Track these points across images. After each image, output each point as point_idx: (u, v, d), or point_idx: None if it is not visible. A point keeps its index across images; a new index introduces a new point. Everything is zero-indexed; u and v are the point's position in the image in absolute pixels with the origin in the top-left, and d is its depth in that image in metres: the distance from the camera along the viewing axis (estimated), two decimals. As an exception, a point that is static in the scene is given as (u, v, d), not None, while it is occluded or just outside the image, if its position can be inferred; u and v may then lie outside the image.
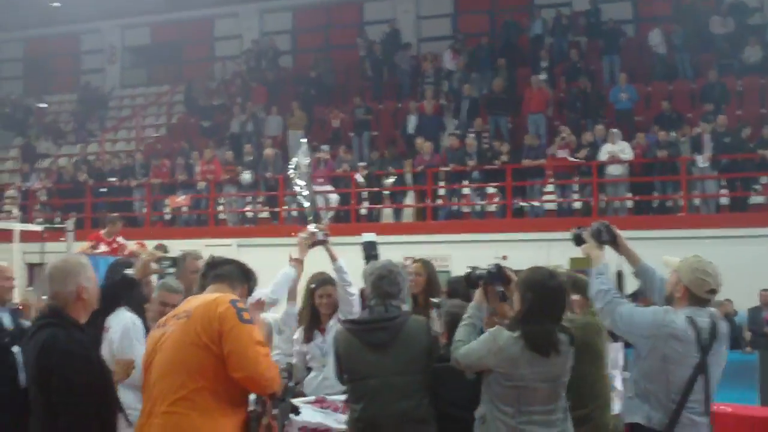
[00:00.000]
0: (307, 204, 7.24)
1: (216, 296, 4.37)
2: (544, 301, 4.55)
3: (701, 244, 13.72)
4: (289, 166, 7.45)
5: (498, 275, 4.91)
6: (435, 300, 5.84)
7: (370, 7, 26.39)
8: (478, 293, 4.97)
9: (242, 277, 4.61)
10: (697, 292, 4.69)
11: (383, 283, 5.09)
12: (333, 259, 6.75)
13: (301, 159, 7.28)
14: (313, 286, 6.65)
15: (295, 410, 5.04)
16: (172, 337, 4.30)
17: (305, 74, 24.23)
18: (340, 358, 5.19)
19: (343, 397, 5.64)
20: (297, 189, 7.33)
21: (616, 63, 20.90)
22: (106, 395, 4.41)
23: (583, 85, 19.62)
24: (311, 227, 6.85)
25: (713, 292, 4.72)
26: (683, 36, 20.69)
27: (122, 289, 5.52)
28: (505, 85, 20.51)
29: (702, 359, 4.62)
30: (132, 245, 15.04)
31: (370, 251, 6.66)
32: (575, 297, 5.68)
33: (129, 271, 5.48)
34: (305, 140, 7.93)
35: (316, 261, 6.95)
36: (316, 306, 6.61)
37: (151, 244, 15.37)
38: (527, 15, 23.21)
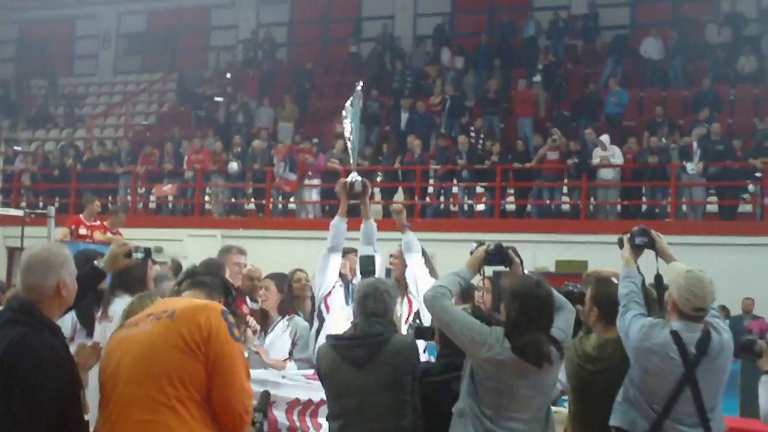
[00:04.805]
0: (350, 146, 7.04)
1: (206, 302, 3.95)
2: (531, 311, 4.43)
3: (687, 251, 13.53)
4: (343, 112, 7.18)
5: (497, 256, 4.93)
6: None
7: (368, 2, 26.28)
8: (474, 258, 4.91)
9: (222, 290, 4.20)
10: (684, 309, 4.64)
11: (368, 302, 4.93)
12: (365, 217, 6.72)
13: (354, 103, 7.08)
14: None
15: None
16: (148, 337, 3.79)
17: (300, 67, 24.09)
18: (321, 374, 5.04)
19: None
20: (345, 132, 7.16)
21: (617, 69, 20.79)
22: (73, 409, 3.83)
23: (577, 89, 19.55)
24: (352, 175, 6.61)
25: (701, 310, 4.65)
26: (679, 44, 20.64)
27: (91, 283, 4.95)
28: (500, 86, 20.43)
29: (688, 373, 4.58)
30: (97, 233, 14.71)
31: (366, 266, 6.37)
32: None
33: (99, 264, 4.93)
34: (360, 86, 7.61)
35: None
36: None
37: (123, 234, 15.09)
38: (525, 16, 23.16)
